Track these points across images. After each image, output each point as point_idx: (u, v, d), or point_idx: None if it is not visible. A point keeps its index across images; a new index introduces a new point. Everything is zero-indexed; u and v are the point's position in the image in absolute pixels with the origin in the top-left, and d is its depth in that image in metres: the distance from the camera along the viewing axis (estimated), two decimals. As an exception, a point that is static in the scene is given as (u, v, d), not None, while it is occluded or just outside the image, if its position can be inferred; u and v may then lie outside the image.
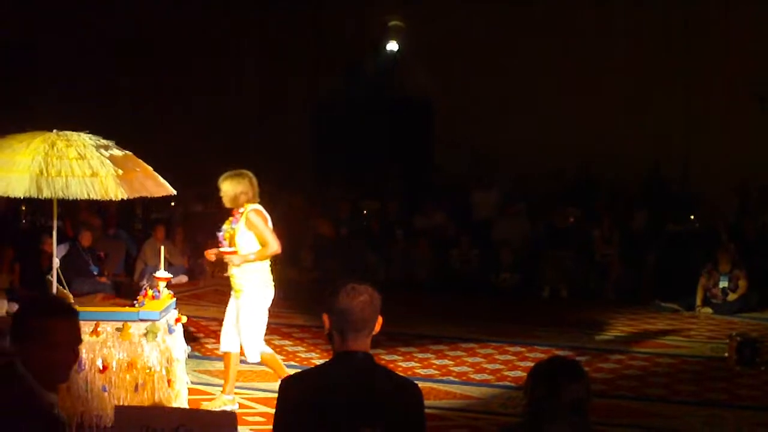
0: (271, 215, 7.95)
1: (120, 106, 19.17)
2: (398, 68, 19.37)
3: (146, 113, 19.47)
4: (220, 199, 7.96)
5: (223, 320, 8.13)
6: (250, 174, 7.87)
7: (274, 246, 7.70)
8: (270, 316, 8.03)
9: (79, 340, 3.53)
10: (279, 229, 7.94)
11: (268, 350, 8.10)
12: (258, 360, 7.97)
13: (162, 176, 7.82)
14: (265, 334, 7.75)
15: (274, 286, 8.03)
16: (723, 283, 13.39)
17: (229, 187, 7.78)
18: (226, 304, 8.14)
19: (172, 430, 4.25)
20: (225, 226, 7.90)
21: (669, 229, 15.76)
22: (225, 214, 8.04)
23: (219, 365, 9.61)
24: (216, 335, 10.89)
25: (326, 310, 3.66)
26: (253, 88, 20.15)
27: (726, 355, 10.07)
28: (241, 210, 7.76)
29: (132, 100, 19.79)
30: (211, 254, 8.01)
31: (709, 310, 13.28)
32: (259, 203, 7.89)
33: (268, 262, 7.89)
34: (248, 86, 20.16)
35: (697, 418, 8.15)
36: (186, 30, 19.40)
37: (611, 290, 14.76)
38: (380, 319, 3.69)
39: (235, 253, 7.76)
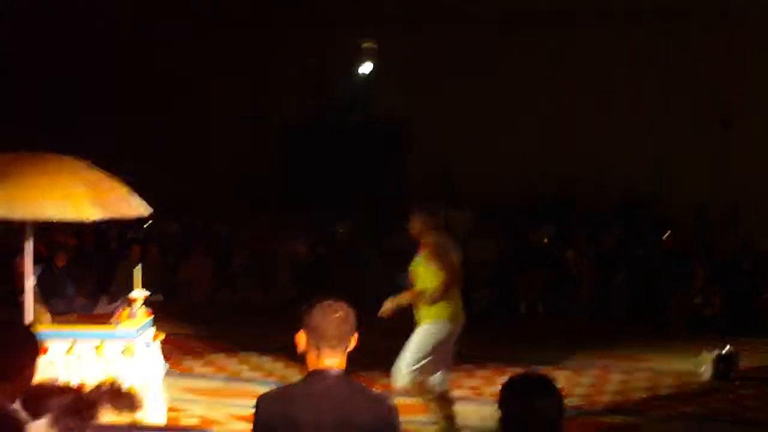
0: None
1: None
2: (371, 89, 19.35)
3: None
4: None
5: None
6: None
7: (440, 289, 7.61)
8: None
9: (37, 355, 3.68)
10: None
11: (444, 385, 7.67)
12: (402, 385, 7.56)
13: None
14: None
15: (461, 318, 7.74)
16: (697, 300, 13.49)
17: (428, 220, 7.92)
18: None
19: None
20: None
21: (643, 246, 15.82)
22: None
23: (195, 383, 9.59)
24: (193, 352, 10.87)
25: (302, 327, 3.68)
26: (226, 109, 20.01)
27: (701, 370, 10.15)
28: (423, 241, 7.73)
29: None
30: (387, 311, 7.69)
31: (683, 326, 13.35)
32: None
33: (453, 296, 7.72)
34: (221, 109, 20.02)
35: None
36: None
37: (586, 307, 14.80)
38: (356, 336, 3.71)
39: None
